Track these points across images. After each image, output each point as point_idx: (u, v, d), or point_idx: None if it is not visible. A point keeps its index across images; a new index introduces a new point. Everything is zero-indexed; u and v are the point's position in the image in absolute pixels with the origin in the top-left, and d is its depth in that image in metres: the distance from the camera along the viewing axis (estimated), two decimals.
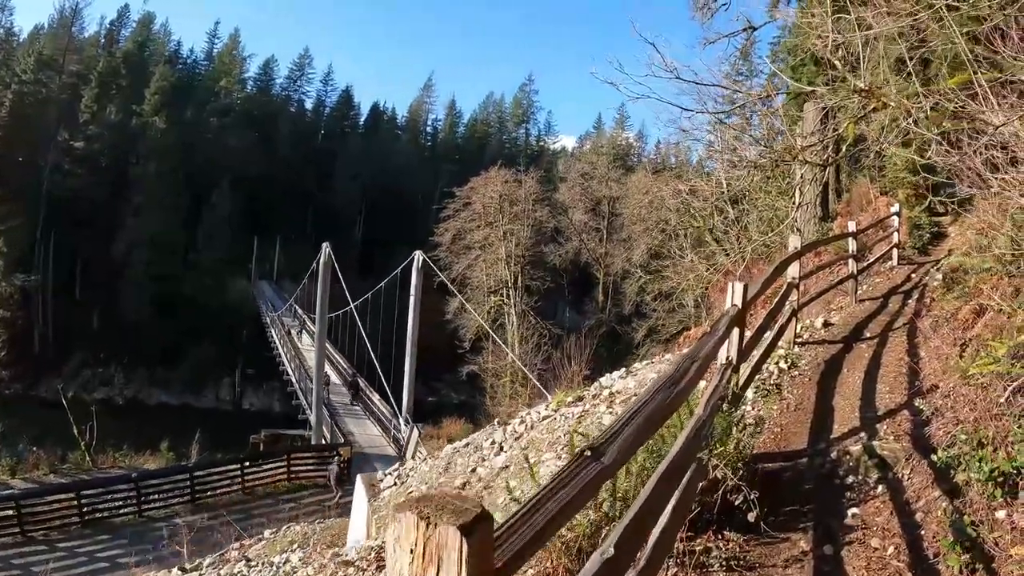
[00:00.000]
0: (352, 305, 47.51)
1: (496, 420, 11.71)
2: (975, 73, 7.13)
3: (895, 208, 15.26)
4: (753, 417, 6.69)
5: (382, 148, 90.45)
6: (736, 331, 5.27)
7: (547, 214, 56.11)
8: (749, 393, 7.16)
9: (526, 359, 44.16)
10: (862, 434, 6.02)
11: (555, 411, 9.20)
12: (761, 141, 9.68)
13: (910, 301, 11.23)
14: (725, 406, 4.77)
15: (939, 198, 14.06)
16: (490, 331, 36.26)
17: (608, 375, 9.89)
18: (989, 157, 9.31)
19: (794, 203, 12.73)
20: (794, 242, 8.40)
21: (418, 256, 32.90)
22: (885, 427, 6.08)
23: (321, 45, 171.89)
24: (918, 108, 8.70)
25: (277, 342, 54.26)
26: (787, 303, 8.42)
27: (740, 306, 5.20)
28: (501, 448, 9.44)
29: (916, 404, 6.30)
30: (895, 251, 14.59)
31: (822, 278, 13.57)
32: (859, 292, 12.06)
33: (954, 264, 7.77)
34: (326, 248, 36.96)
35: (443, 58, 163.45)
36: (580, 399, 9.27)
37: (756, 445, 6.05)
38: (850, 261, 11.67)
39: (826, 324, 9.94)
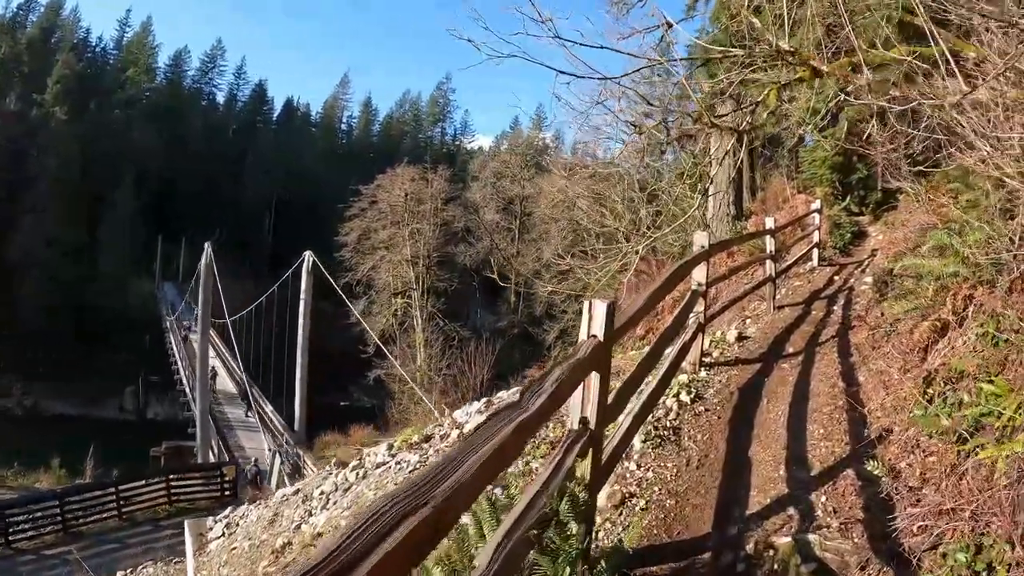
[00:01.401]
0: (248, 310, 44.47)
1: (333, 461, 9.47)
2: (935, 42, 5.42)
3: (815, 205, 13.71)
4: (636, 483, 4.64)
5: (295, 145, 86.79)
6: (594, 378, 3.21)
7: (459, 214, 54.00)
8: (637, 442, 5.13)
9: (432, 363, 41.99)
10: (791, 512, 4.07)
11: (393, 456, 7.02)
12: (668, 106, 7.69)
13: (836, 308, 9.54)
14: (566, 508, 2.67)
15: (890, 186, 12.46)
16: (377, 339, 33.57)
17: (465, 407, 7.80)
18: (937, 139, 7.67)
19: (705, 189, 11.07)
20: (700, 240, 6.43)
21: (307, 257, 30.22)
22: (824, 501, 4.15)
23: (236, 38, 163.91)
24: (857, 77, 6.82)
25: (174, 348, 50.41)
26: (692, 315, 6.46)
27: (602, 339, 3.14)
28: (328, 500, 7.31)
29: (865, 463, 4.39)
30: (816, 251, 13.01)
31: (736, 282, 11.83)
32: (778, 297, 10.33)
33: (908, 267, 5.87)
34: (208, 249, 33.82)
35: (364, 56, 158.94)
36: (427, 439, 7.13)
37: (639, 532, 4.02)
38: (767, 262, 9.91)
39: (741, 337, 8.08)
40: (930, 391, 4.72)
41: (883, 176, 20.68)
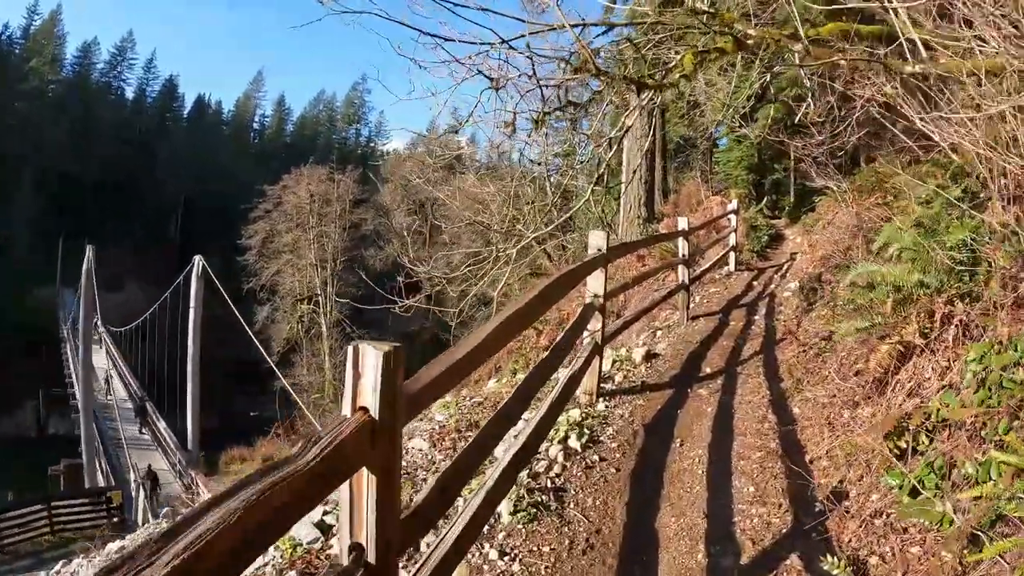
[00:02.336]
0: (143, 318, 41.11)
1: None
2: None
3: (732, 205, 12.64)
4: None
5: (207, 143, 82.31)
6: (367, 481, 1.70)
7: (369, 216, 51.90)
8: (505, 513, 3.65)
9: (336, 372, 39.83)
10: None
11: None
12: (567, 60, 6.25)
13: (757, 317, 8.38)
14: None
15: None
16: (261, 351, 31.32)
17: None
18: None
19: (601, 175, 9.84)
20: (597, 242, 5.02)
21: (197, 262, 27.77)
22: None
23: (148, 34, 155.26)
24: (793, 43, 5.59)
25: (69, 359, 46.20)
26: (586, 334, 5.04)
27: (377, 414, 1.63)
28: None
29: (815, 550, 3.05)
30: (732, 255, 11.92)
31: (645, 289, 10.59)
32: (692, 306, 9.11)
33: (862, 274, 4.57)
34: (89, 254, 30.82)
35: (281, 56, 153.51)
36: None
37: None
38: (680, 267, 8.65)
39: (649, 355, 6.73)
40: (902, 443, 3.42)
41: (804, 176, 20.12)
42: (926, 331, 3.91)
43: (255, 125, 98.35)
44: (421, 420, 5.47)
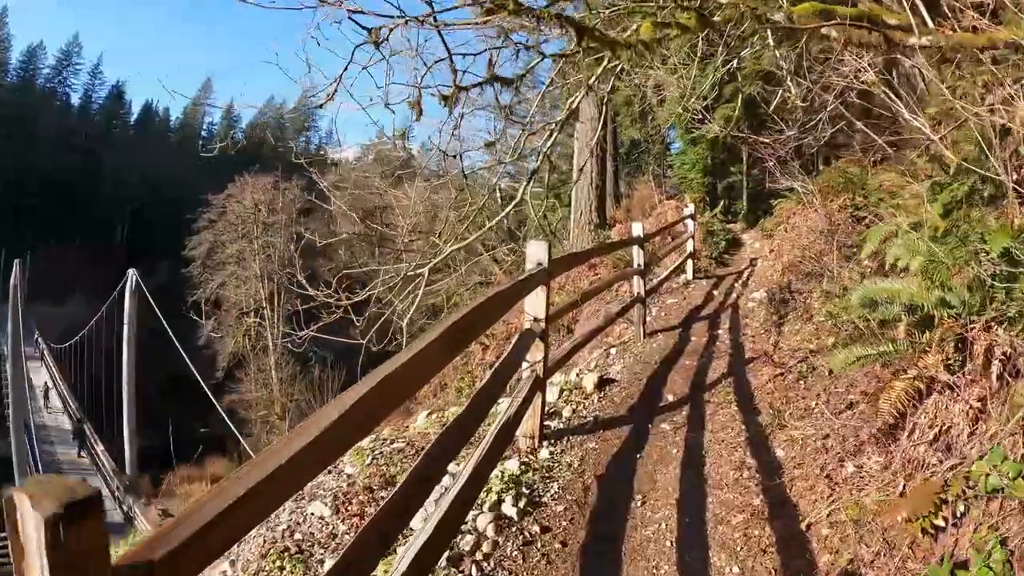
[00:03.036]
0: (80, 335, 38.94)
1: None
2: None
3: (689, 209, 11.86)
4: None
5: (154, 151, 79.33)
6: None
7: (318, 226, 50.24)
8: None
9: (282, 388, 38.33)
10: None
11: None
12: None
13: (721, 332, 7.57)
14: None
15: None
16: (192, 369, 29.76)
17: None
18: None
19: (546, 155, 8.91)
20: (537, 255, 4.06)
21: (131, 276, 26.21)
22: None
23: (96, 39, 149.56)
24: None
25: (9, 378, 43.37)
26: (525, 366, 4.08)
27: None
28: None
29: None
30: (690, 263, 11.12)
31: (599, 302, 9.73)
32: (649, 320, 8.24)
33: (874, 293, 3.67)
34: (16, 267, 28.87)
35: (232, 62, 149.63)
36: None
37: None
38: (635, 278, 7.77)
39: (603, 382, 5.80)
40: (938, 519, 2.55)
41: (759, 181, 19.59)
42: (953, 364, 3.06)
43: (203, 132, 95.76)
44: (328, 473, 4.46)
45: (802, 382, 4.88)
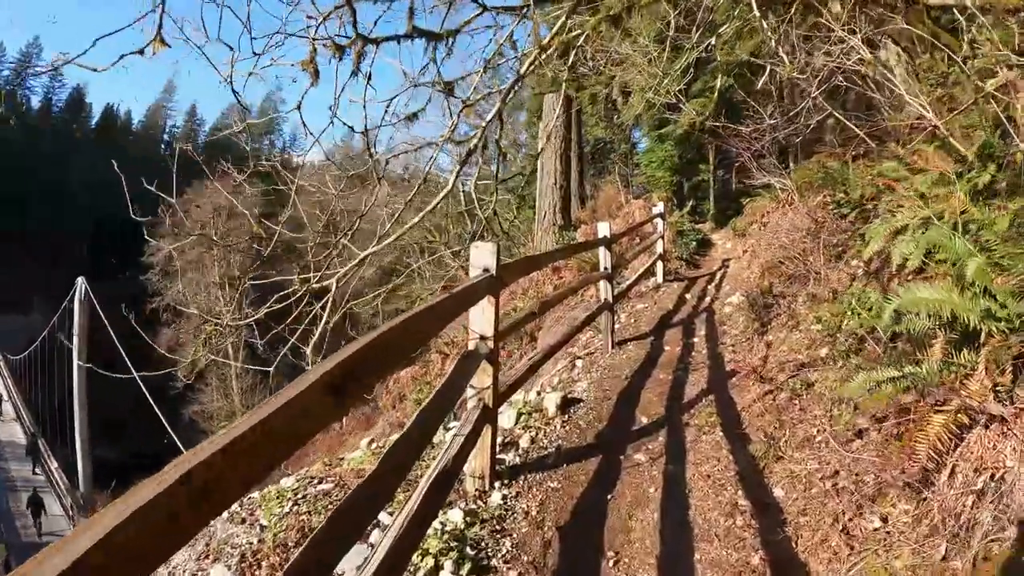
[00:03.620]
0: (33, 346, 37.22)
1: None
2: None
3: (658, 208, 11.23)
4: None
5: (115, 155, 77.17)
6: None
7: (283, 231, 49.01)
8: None
9: (244, 397, 37.15)
10: None
11: None
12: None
13: (696, 340, 6.93)
14: None
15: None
16: (140, 384, 28.43)
17: None
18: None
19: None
20: (482, 259, 3.27)
21: (80, 284, 24.97)
22: None
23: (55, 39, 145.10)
24: None
25: None
26: (471, 392, 3.35)
27: None
28: None
29: None
30: (660, 264, 10.49)
31: (564, 308, 9.05)
32: (618, 327, 7.58)
33: (907, 305, 2.99)
34: None
35: (195, 64, 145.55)
36: None
37: None
38: (602, 283, 7.09)
39: (567, 403, 5.09)
40: None
41: (726, 181, 19.13)
42: (1003, 391, 2.40)
43: (166, 136, 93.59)
44: (242, 523, 3.70)
45: (796, 402, 4.23)
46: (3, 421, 34.36)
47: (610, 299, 7.01)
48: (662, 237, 10.74)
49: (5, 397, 37.31)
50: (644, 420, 4.77)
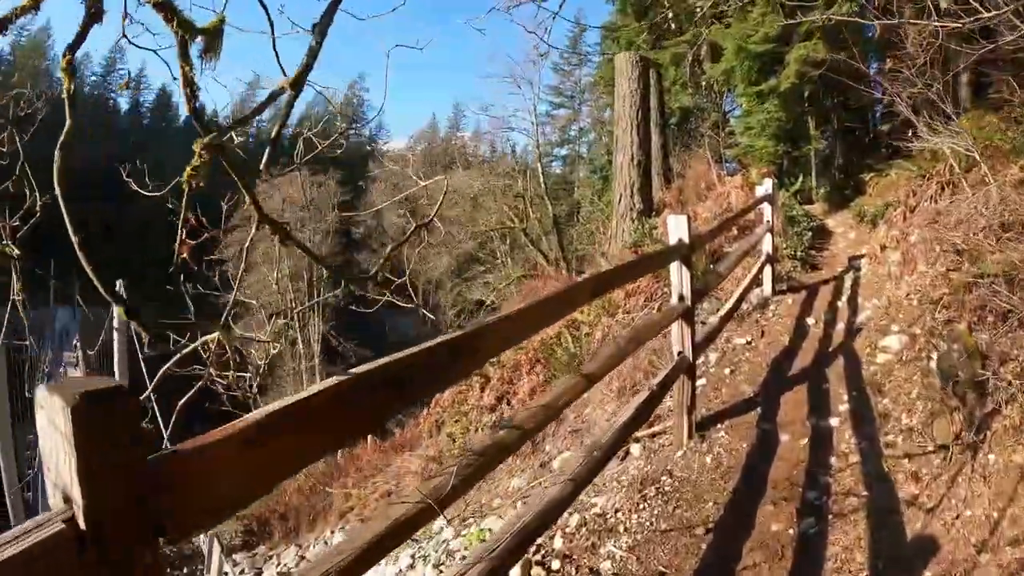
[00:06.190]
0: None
1: None
2: None
3: (764, 188, 8.05)
4: None
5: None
6: None
7: (363, 219, 48.41)
8: None
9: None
10: None
11: None
12: None
13: (835, 426, 4.15)
14: None
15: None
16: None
17: None
18: None
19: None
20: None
21: (119, 287, 23.71)
22: None
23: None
24: None
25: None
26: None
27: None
28: None
29: None
30: (769, 271, 7.53)
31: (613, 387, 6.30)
32: (700, 387, 4.79)
33: None
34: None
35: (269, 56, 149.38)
36: None
37: None
38: (677, 326, 4.26)
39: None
40: None
41: (854, 143, 15.57)
42: None
43: (252, 130, 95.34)
44: None
45: None
46: None
47: (688, 354, 4.22)
48: (770, 230, 7.73)
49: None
50: None
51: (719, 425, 4.28)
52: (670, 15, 20.41)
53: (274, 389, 38.72)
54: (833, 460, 3.64)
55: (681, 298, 4.23)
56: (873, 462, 3.49)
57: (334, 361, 36.58)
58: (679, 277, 4.23)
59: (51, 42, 79.25)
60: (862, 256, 8.52)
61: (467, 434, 9.32)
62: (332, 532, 9.51)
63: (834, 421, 4.12)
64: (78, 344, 34.35)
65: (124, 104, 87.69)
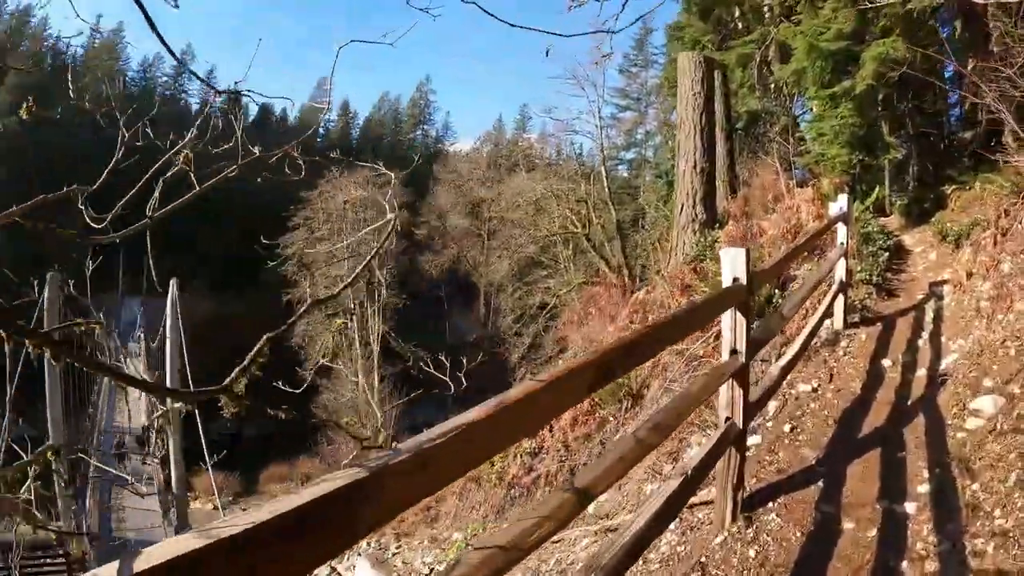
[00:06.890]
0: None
1: None
2: None
3: (838, 206, 7.25)
4: None
5: (269, 151, 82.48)
6: None
7: (426, 219, 48.95)
8: None
9: (375, 392, 35.93)
10: None
11: None
12: None
13: (912, 513, 3.49)
14: None
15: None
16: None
17: None
18: None
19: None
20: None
21: (172, 286, 24.57)
22: None
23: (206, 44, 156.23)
24: None
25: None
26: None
27: None
28: None
29: None
30: (841, 300, 6.81)
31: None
32: (750, 452, 4.20)
33: None
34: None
35: (344, 59, 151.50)
36: None
37: None
38: (723, 389, 3.67)
39: None
40: None
41: (930, 149, 14.42)
42: None
43: (320, 131, 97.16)
44: None
45: None
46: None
47: (738, 420, 3.64)
48: (845, 253, 6.98)
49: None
50: None
51: (771, 504, 3.69)
52: (736, 13, 19.56)
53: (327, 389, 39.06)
54: (905, 566, 3.02)
55: (734, 352, 3.66)
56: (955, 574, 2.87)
57: (393, 363, 36.60)
58: (732, 328, 3.67)
59: (124, 45, 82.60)
60: (945, 282, 7.70)
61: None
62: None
63: (910, 507, 3.48)
64: (142, 335, 34.84)
65: (195, 104, 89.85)
